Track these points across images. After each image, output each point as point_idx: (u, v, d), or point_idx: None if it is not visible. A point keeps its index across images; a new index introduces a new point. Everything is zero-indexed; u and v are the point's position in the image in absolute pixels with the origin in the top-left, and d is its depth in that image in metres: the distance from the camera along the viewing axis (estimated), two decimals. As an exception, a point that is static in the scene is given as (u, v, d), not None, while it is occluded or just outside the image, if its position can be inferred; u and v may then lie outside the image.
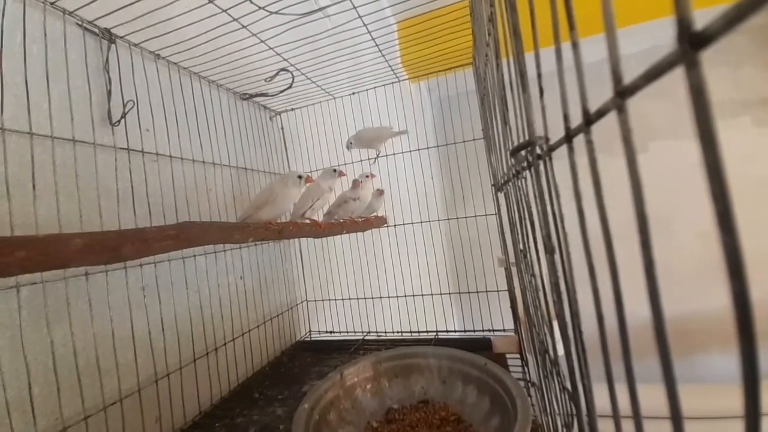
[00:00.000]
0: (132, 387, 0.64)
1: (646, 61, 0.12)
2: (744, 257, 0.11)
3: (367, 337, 1.11)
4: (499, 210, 0.93)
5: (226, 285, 0.90)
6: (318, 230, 0.90)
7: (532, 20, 0.26)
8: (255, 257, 1.03)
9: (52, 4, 0.58)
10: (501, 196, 0.72)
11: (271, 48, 0.85)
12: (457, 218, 1.26)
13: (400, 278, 1.33)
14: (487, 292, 1.17)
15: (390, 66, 1.01)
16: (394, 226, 1.29)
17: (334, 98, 1.19)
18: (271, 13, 0.69)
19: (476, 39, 0.80)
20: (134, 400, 0.64)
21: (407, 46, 0.97)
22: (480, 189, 1.18)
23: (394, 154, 1.23)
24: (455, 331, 1.10)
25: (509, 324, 1.00)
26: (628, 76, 0.15)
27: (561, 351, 0.30)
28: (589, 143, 0.19)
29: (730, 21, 0.10)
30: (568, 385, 0.29)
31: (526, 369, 0.82)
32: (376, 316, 1.27)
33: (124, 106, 0.68)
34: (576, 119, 0.20)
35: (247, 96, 1.05)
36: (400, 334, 1.16)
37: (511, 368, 0.78)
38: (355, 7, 0.73)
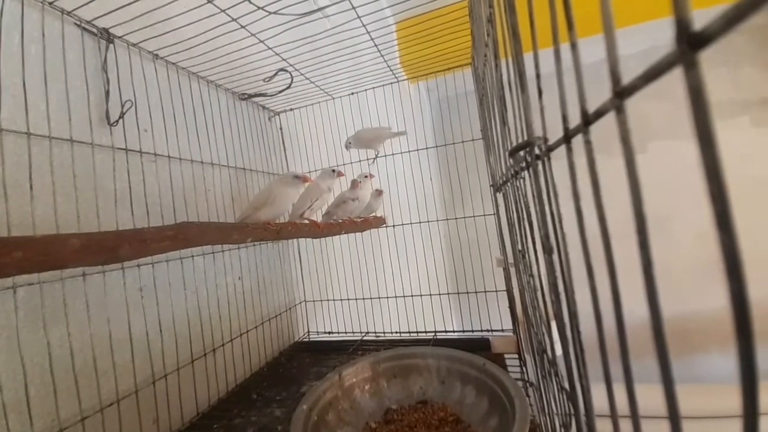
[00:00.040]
0: (129, 388, 0.64)
1: (645, 62, 0.12)
2: (742, 257, 0.11)
3: (365, 338, 1.11)
4: (497, 210, 0.93)
5: (224, 285, 0.90)
6: (317, 231, 0.90)
7: (531, 21, 0.26)
8: (253, 258, 1.03)
9: (50, 3, 0.58)
10: (500, 196, 0.72)
11: (269, 48, 0.85)
12: (456, 219, 1.26)
13: (399, 279, 1.33)
14: (485, 292, 1.17)
15: (389, 66, 1.01)
16: (393, 226, 1.29)
17: (333, 98, 1.19)
18: (270, 13, 0.69)
19: (475, 39, 0.80)
20: (131, 401, 0.64)
21: (406, 46, 0.97)
22: (479, 189, 1.18)
23: (393, 154, 1.23)
24: (454, 332, 1.10)
25: (508, 324, 1.00)
26: (627, 77, 0.15)
27: (559, 351, 0.30)
28: (588, 144, 0.19)
29: (729, 21, 0.10)
30: (566, 385, 0.29)
31: (524, 369, 0.82)
32: (375, 316, 1.27)
33: (123, 106, 0.67)
34: (575, 120, 0.20)
35: (246, 96, 1.04)
36: (398, 334, 1.16)
37: (509, 368, 0.78)
38: (354, 8, 0.73)
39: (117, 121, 0.66)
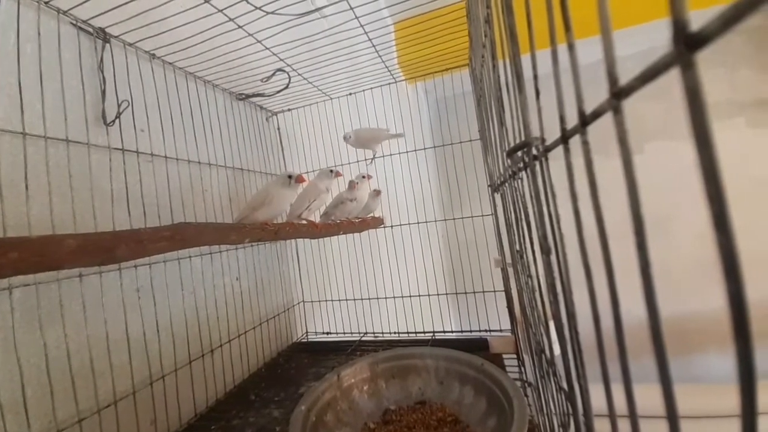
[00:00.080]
0: (127, 389, 0.64)
1: (642, 63, 0.12)
2: (739, 257, 0.11)
3: (364, 338, 1.11)
4: (495, 211, 0.94)
5: (222, 286, 0.89)
6: (315, 231, 0.90)
7: (528, 22, 0.26)
8: (251, 258, 1.03)
9: (46, 3, 0.57)
10: (497, 196, 0.72)
11: (267, 48, 0.85)
12: (454, 219, 1.26)
13: (397, 279, 1.33)
14: (483, 292, 1.17)
15: (387, 67, 1.01)
16: (391, 226, 1.29)
17: (331, 99, 1.19)
18: (268, 13, 0.69)
19: (473, 40, 0.80)
20: (129, 402, 0.63)
21: (404, 47, 0.97)
22: (476, 190, 1.18)
23: (390, 154, 1.23)
24: (452, 332, 1.10)
25: (506, 324, 1.01)
26: (624, 78, 0.15)
27: (557, 351, 0.30)
28: (585, 144, 0.19)
29: (726, 22, 0.10)
30: (565, 385, 0.29)
31: (522, 369, 0.82)
32: (373, 317, 1.27)
33: (119, 106, 0.67)
34: (572, 120, 0.20)
35: (244, 96, 1.04)
36: (397, 334, 1.16)
37: (507, 368, 0.79)
38: (351, 8, 0.73)
39: (113, 121, 0.66)
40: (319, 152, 1.29)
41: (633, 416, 0.18)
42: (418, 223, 1.29)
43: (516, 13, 0.30)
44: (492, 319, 1.08)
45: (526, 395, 0.65)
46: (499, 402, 0.57)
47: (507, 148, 0.39)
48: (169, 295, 0.74)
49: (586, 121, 0.19)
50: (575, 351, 0.25)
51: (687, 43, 0.11)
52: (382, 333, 1.17)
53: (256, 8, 0.67)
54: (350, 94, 1.17)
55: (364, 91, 1.16)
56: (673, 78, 0.12)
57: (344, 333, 1.21)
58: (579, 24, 0.21)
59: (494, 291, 1.12)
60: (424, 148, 1.27)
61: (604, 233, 0.19)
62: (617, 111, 0.16)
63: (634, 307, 0.29)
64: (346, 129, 1.21)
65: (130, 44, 0.71)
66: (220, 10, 0.68)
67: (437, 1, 0.77)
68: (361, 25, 0.79)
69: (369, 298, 1.29)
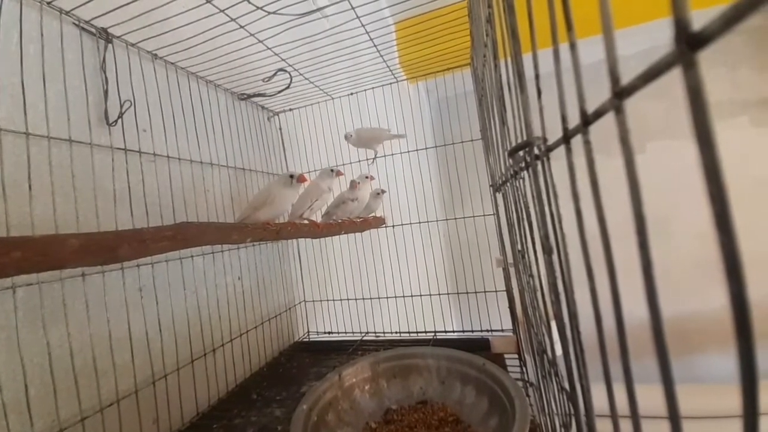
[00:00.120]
0: (129, 388, 0.64)
1: (644, 62, 0.12)
2: (742, 258, 0.11)
3: (365, 338, 1.11)
4: (497, 210, 0.94)
5: (224, 286, 0.90)
6: (316, 231, 0.90)
7: (530, 21, 0.26)
8: (253, 258, 1.03)
9: (48, 3, 0.58)
10: (499, 196, 0.72)
11: (269, 48, 0.85)
12: (456, 219, 1.26)
13: (399, 279, 1.33)
14: (485, 292, 1.17)
15: (388, 66, 1.01)
16: (393, 226, 1.29)
17: (333, 99, 1.19)
18: (269, 13, 0.69)
19: (474, 40, 0.80)
20: (131, 401, 0.64)
21: (405, 46, 0.97)
22: (478, 189, 1.18)
23: (392, 154, 1.23)
24: (454, 332, 1.10)
25: (507, 324, 1.00)
26: (626, 77, 0.15)
27: (559, 351, 0.30)
28: (587, 144, 0.19)
29: (728, 22, 0.10)
30: (566, 386, 0.29)
31: (524, 369, 0.82)
32: (375, 316, 1.27)
33: (121, 106, 0.67)
34: (574, 120, 0.20)
35: (245, 96, 1.04)
36: (398, 334, 1.16)
37: (509, 368, 0.78)
38: (353, 8, 0.73)
39: (116, 121, 0.66)
40: (320, 152, 1.29)
41: (635, 416, 0.18)
42: (419, 222, 1.29)
43: (518, 13, 0.30)
44: (494, 318, 1.08)
45: (527, 395, 0.65)
46: (500, 402, 0.57)
47: (509, 148, 0.39)
48: (172, 294, 0.74)
49: (587, 120, 0.19)
50: (577, 351, 0.25)
51: (689, 43, 0.11)
52: (384, 333, 1.17)
53: (258, 8, 0.68)
54: (352, 93, 1.17)
55: (365, 90, 1.16)
56: (675, 77, 0.12)
57: (346, 332, 1.21)
58: (581, 23, 0.21)
59: (496, 291, 1.12)
60: (426, 148, 1.27)
61: (605, 233, 0.19)
62: (619, 110, 0.16)
63: (635, 308, 0.29)
64: (347, 129, 1.21)
65: (133, 44, 0.71)
66: (222, 10, 0.68)
67: (438, 0, 0.77)
68: (363, 25, 0.79)
69: (370, 298, 1.29)
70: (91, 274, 0.60)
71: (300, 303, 1.24)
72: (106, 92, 0.65)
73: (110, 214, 0.64)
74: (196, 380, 0.77)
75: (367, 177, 1.09)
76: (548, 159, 0.27)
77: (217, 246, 0.88)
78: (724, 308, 0.11)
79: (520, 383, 0.59)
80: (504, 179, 0.53)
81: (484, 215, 1.15)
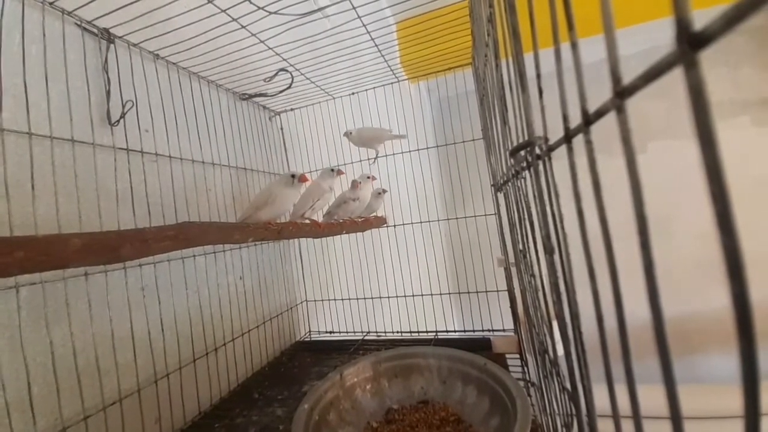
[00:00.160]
0: (131, 387, 0.64)
1: (646, 62, 0.12)
2: (743, 258, 0.11)
3: (366, 338, 1.11)
4: (498, 210, 0.93)
5: (225, 285, 0.90)
6: (318, 230, 0.90)
7: (531, 21, 0.26)
8: (255, 257, 1.03)
9: (51, 4, 0.58)
10: (500, 196, 0.72)
11: (270, 48, 0.85)
12: (457, 218, 1.26)
13: (400, 278, 1.33)
14: (486, 292, 1.17)
15: (389, 66, 1.01)
16: (394, 226, 1.29)
17: (334, 98, 1.19)
18: (271, 13, 0.69)
19: (475, 39, 0.80)
20: (134, 400, 0.64)
21: (406, 46, 0.97)
22: (479, 189, 1.18)
23: (393, 154, 1.23)
24: (455, 331, 1.10)
25: (509, 324, 1.00)
26: (628, 77, 0.15)
27: (561, 351, 0.30)
28: (589, 143, 0.19)
29: (729, 21, 0.10)
30: (568, 386, 0.29)
31: (525, 369, 0.82)
32: (376, 316, 1.27)
33: (123, 106, 0.67)
34: (575, 119, 0.20)
35: (247, 96, 1.05)
36: (399, 334, 1.16)
37: (510, 368, 0.78)
38: (354, 8, 0.73)
39: (118, 121, 0.66)
40: (321, 152, 1.29)
41: (636, 417, 0.18)
42: (420, 222, 1.29)
43: (519, 12, 0.30)
44: (495, 318, 1.08)
45: (529, 395, 0.65)
46: (502, 402, 0.57)
47: (510, 148, 0.39)
48: (174, 293, 0.74)
49: (589, 120, 0.19)
50: (578, 351, 0.25)
51: (690, 42, 0.11)
52: (385, 332, 1.17)
53: (259, 8, 0.68)
54: (353, 93, 1.17)
55: (366, 90, 1.16)
56: (676, 77, 0.12)
57: (347, 332, 1.21)
58: (582, 23, 0.21)
59: (497, 291, 1.12)
60: (427, 148, 1.27)
61: (607, 233, 0.18)
62: (620, 110, 0.16)
63: (637, 308, 0.29)
64: (349, 128, 1.21)
65: (135, 44, 0.71)
66: (224, 10, 0.68)
67: (439, 0, 0.77)
68: (364, 25, 0.79)
69: (372, 298, 1.29)
70: (94, 273, 0.60)
71: (301, 303, 1.25)
72: (108, 92, 0.65)
73: (113, 214, 0.64)
74: (198, 379, 0.77)
75: (368, 177, 1.09)
76: (550, 159, 0.27)
77: (219, 246, 0.88)
78: (725, 308, 0.11)
79: (521, 383, 0.59)
80: (505, 179, 0.53)
81: (485, 215, 1.15)
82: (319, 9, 0.79)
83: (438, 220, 1.30)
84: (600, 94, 0.18)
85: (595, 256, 0.21)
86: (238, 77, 0.92)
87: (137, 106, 0.71)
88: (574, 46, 0.19)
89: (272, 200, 0.78)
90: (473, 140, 1.14)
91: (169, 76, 0.80)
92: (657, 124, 2.39)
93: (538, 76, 0.26)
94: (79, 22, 0.62)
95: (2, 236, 0.39)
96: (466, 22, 0.82)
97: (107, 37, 0.66)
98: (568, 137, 0.21)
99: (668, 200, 2.18)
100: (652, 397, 0.36)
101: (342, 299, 1.28)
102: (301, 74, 0.99)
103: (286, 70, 0.95)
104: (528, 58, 0.28)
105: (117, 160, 0.66)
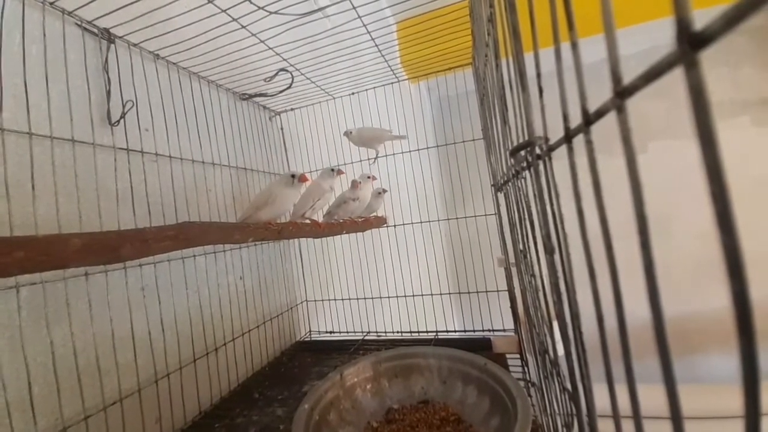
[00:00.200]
0: (132, 387, 0.64)
1: (646, 62, 0.12)
2: (743, 257, 0.11)
3: (367, 338, 1.11)
4: (498, 210, 0.93)
5: (225, 285, 0.90)
6: (318, 230, 0.90)
7: (532, 20, 0.26)
8: (255, 257, 1.03)
9: (51, 4, 0.58)
10: (501, 196, 0.72)
11: (270, 48, 0.85)
12: (457, 218, 1.26)
13: (400, 278, 1.33)
14: (487, 292, 1.17)
15: (389, 66, 1.01)
16: (394, 226, 1.29)
17: (334, 98, 1.19)
18: (271, 13, 0.69)
19: (476, 39, 0.80)
20: (134, 400, 0.64)
21: (407, 46, 0.97)
22: (480, 189, 1.18)
23: (393, 154, 1.23)
24: (455, 331, 1.10)
25: (509, 324, 1.00)
26: (628, 77, 0.15)
27: (561, 351, 0.30)
28: (589, 143, 0.19)
29: (730, 21, 0.10)
30: (568, 386, 0.29)
31: (526, 369, 0.82)
32: (376, 316, 1.27)
33: (124, 106, 0.67)
34: (575, 119, 0.20)
35: (247, 96, 1.05)
36: (400, 334, 1.16)
37: (511, 368, 0.78)
38: (354, 8, 0.73)
39: (118, 121, 0.66)
40: (322, 152, 1.29)
41: (636, 416, 0.18)
42: (421, 222, 1.29)
43: (519, 12, 0.30)
44: (495, 318, 1.08)
45: (529, 395, 0.65)
46: (502, 402, 0.57)
47: (510, 147, 0.39)
48: (174, 293, 0.74)
49: (589, 120, 0.19)
50: (579, 351, 0.25)
51: (691, 42, 0.11)
52: (385, 332, 1.17)
53: (260, 8, 0.68)
54: (353, 93, 1.17)
55: (366, 90, 1.16)
56: (676, 77, 0.12)
57: (347, 332, 1.21)
58: (582, 22, 0.21)
59: (497, 291, 1.12)
60: (427, 147, 1.27)
61: (607, 233, 0.18)
62: (621, 110, 0.16)
63: (637, 308, 0.29)
64: (349, 128, 1.21)
65: (135, 44, 0.71)
66: (224, 10, 0.68)
67: (440, 0, 0.77)
68: (364, 25, 0.79)
69: (372, 298, 1.29)
70: (94, 273, 0.60)
71: (302, 302, 1.25)
72: (108, 92, 0.65)
73: (113, 214, 0.64)
74: (198, 379, 0.77)
75: (368, 176, 1.09)
76: (550, 158, 0.27)
77: (219, 246, 0.88)
78: (725, 308, 0.11)
79: (521, 383, 0.59)
80: (505, 179, 0.53)
81: (485, 215, 1.15)
82: (320, 9, 0.79)
83: (438, 220, 1.30)
84: (600, 93, 0.18)
85: (595, 256, 0.21)
86: (239, 77, 0.92)
87: (137, 106, 0.71)
88: (574, 45, 0.19)
89: (272, 200, 0.78)
90: (473, 140, 1.14)
91: (170, 76, 0.80)
92: (657, 124, 2.39)
93: (539, 75, 0.26)
94: (79, 22, 0.62)
95: (2, 236, 0.39)
96: (467, 21, 0.82)
97: (107, 37, 0.66)
98: (568, 137, 0.21)
99: (668, 200, 2.18)
100: (653, 397, 0.36)
101: (342, 299, 1.28)
102: (302, 74, 0.99)
103: (286, 70, 0.95)
104: (528, 57, 0.28)
105: (117, 160, 0.66)
